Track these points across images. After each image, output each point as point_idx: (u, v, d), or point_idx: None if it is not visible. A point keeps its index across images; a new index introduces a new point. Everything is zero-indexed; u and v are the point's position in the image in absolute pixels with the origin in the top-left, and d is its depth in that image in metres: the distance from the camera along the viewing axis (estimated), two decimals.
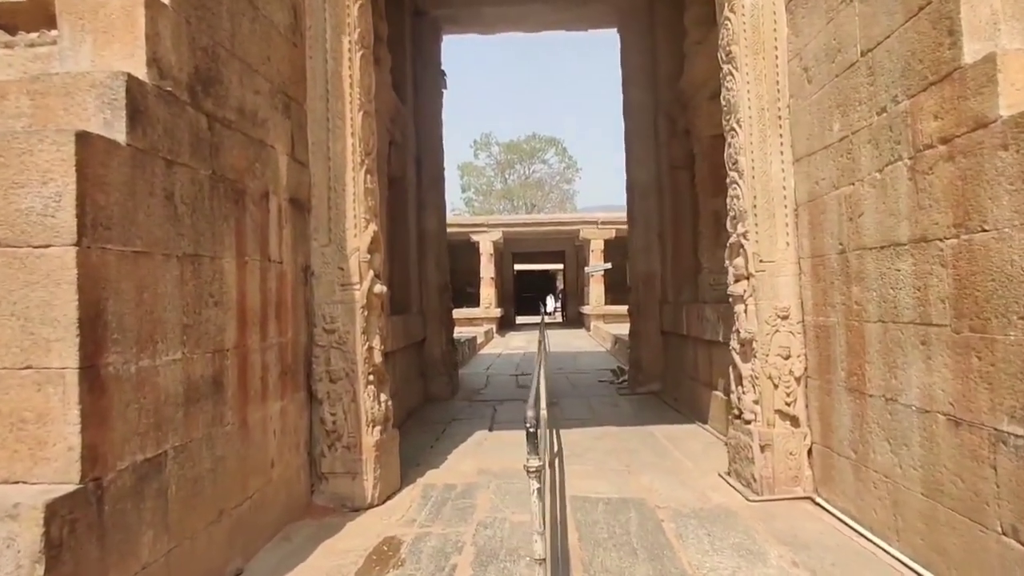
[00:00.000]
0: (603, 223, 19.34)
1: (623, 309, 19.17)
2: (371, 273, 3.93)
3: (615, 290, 19.96)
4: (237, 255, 2.92)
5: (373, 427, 3.92)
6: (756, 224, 3.93)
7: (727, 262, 4.28)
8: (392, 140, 6.97)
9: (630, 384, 8.37)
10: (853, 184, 3.21)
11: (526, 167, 46.76)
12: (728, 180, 4.20)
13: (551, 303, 28.38)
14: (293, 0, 3.77)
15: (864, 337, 3.16)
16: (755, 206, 3.93)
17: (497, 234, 19.86)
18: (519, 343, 17.36)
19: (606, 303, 18.98)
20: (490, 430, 6.20)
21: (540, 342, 7.02)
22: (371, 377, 3.94)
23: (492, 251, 20.09)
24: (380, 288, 4.00)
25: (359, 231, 3.90)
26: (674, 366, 7.47)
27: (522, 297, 28.94)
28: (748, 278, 4.00)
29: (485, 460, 4.97)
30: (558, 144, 46.24)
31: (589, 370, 11.68)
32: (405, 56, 7.68)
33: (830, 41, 3.39)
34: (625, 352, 12.52)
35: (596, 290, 18.94)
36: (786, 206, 3.92)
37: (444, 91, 8.65)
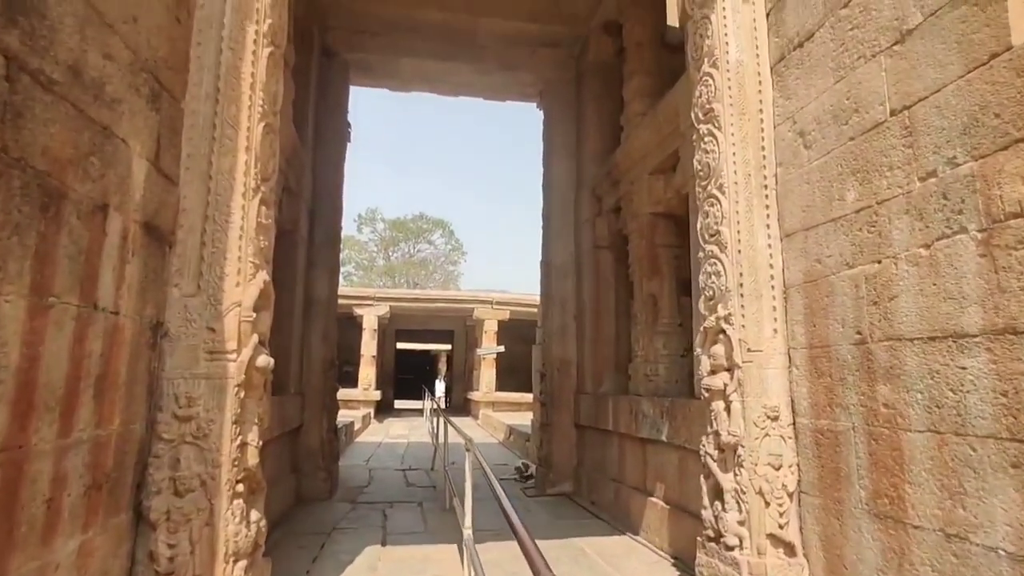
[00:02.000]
0: (498, 303, 18.77)
1: (516, 397, 18.42)
2: (255, 339, 2.82)
3: (508, 376, 19.20)
4: (31, 292, 1.76)
5: (235, 562, 2.68)
6: (743, 306, 3.33)
7: (698, 350, 3.63)
8: (286, 185, 5.89)
9: (539, 484, 7.42)
10: (880, 262, 2.69)
11: (411, 246, 46.14)
12: (702, 255, 3.62)
13: (439, 388, 25.77)
14: None
15: (902, 450, 2.54)
16: (741, 285, 3.35)
17: (384, 308, 18.57)
18: (400, 430, 15.87)
19: (497, 389, 18.07)
20: (383, 544, 4.95)
21: (469, 445, 5.95)
22: (240, 487, 2.74)
23: (376, 327, 18.70)
24: (265, 360, 2.88)
25: (244, 280, 2.81)
26: (592, 465, 6.66)
27: (401, 379, 27.25)
28: (731, 370, 3.34)
29: None
30: (445, 226, 46.30)
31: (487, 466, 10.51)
32: (309, 96, 6.76)
33: (840, 101, 2.97)
34: (521, 445, 11.59)
35: (487, 375, 18.01)
36: (773, 287, 3.37)
37: (349, 143, 7.76)
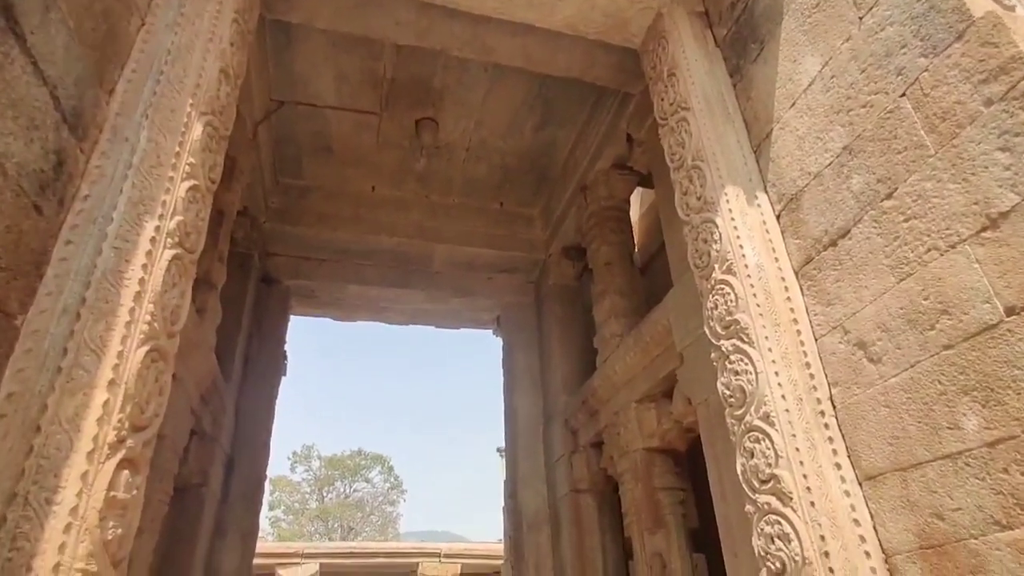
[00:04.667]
0: (447, 556, 16.26)
1: None
2: None
3: None
4: None
5: None
6: None
7: None
8: (197, 428, 4.76)
9: None
10: None
11: (347, 485, 42.55)
12: (753, 509, 2.68)
13: None
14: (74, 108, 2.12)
15: None
16: (827, 553, 2.36)
17: (314, 567, 15.72)
18: None
19: None
20: None
21: None
22: None
23: None
24: None
25: None
26: None
27: None
28: None
29: None
30: (384, 462, 43.50)
31: None
32: (241, 325, 5.96)
33: (915, 301, 2.36)
34: None
35: None
36: (869, 555, 2.40)
37: (284, 376, 6.80)
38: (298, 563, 15.63)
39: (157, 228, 2.24)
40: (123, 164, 2.26)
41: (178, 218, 2.33)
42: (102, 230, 2.13)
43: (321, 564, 16.06)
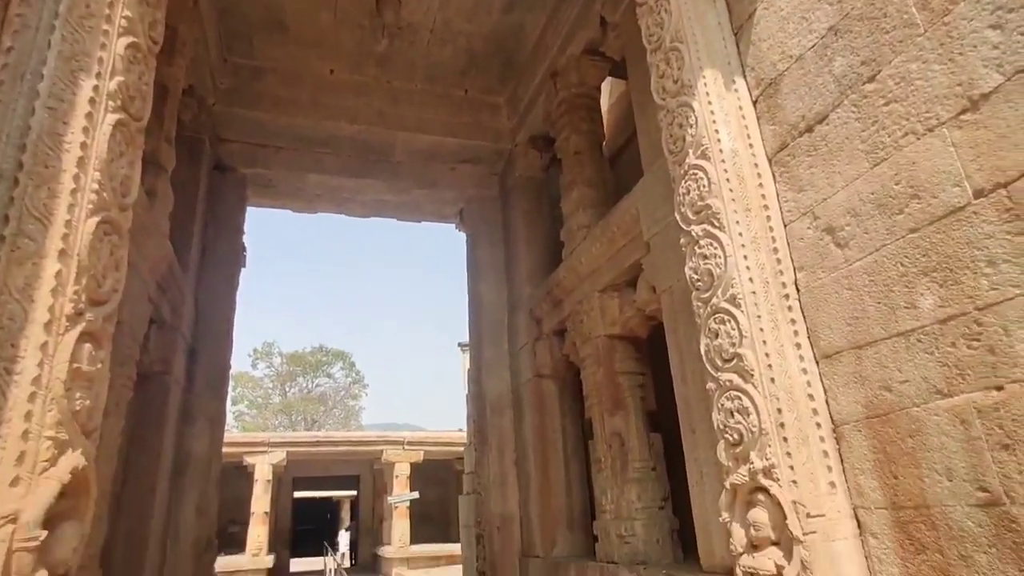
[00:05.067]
0: (411, 443, 17.01)
1: (435, 550, 16.21)
2: None
3: (422, 524, 17.15)
4: None
5: None
6: (788, 454, 2.47)
7: (725, 515, 2.69)
8: (156, 317, 4.66)
9: None
10: (1001, 388, 1.95)
11: (309, 380, 43.28)
12: (714, 386, 2.80)
13: (344, 541, 21.75)
14: None
15: None
16: (783, 425, 2.51)
17: (280, 455, 16.28)
18: None
19: (412, 541, 15.85)
20: None
21: None
22: None
23: (270, 477, 16.26)
24: None
25: (32, 472, 1.62)
26: None
27: (300, 531, 23.76)
28: (784, 544, 2.42)
29: None
30: (346, 358, 44.15)
31: None
32: (195, 213, 5.71)
33: (886, 186, 2.38)
34: None
35: (400, 526, 15.81)
36: (819, 425, 2.57)
37: (243, 267, 6.63)
38: (265, 451, 16.14)
39: (96, 88, 2.03)
40: (48, 13, 2.01)
41: (118, 79, 2.12)
42: (32, 87, 1.92)
43: (288, 452, 16.62)
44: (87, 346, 1.83)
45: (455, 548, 13.39)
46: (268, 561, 15.59)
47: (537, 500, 5.83)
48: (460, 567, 9.32)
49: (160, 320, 4.78)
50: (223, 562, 13.33)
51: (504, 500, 6.17)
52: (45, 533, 1.58)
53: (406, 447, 16.89)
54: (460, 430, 15.92)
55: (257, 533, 15.62)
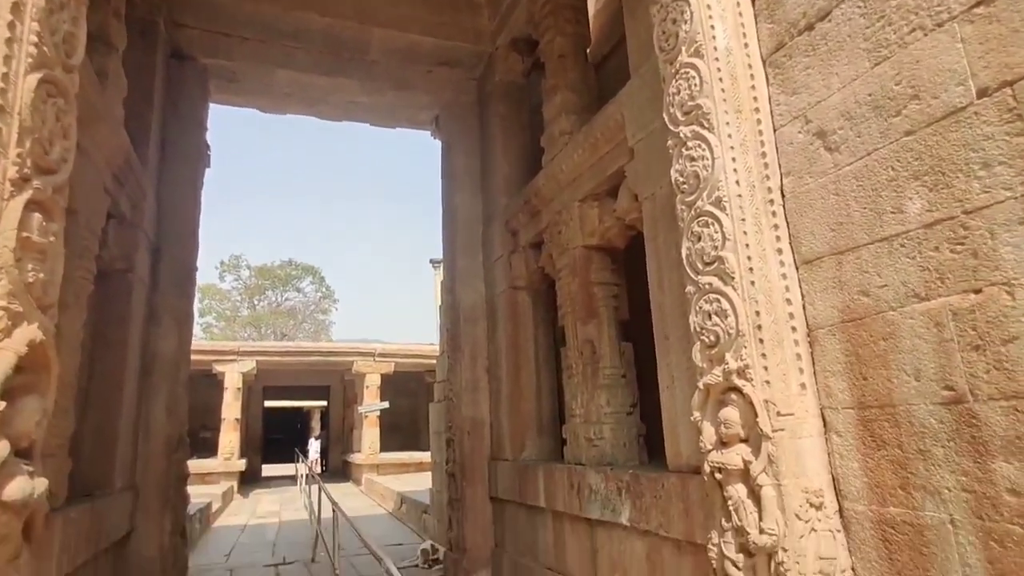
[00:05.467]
0: (382, 355, 17.17)
1: (404, 457, 16.73)
2: (3, 450, 1.52)
3: (392, 433, 17.61)
4: None
5: None
6: (763, 355, 2.51)
7: (697, 414, 2.75)
8: (115, 211, 4.44)
9: (449, 572, 6.18)
10: (979, 291, 1.97)
11: (278, 294, 42.95)
12: (693, 289, 2.80)
13: (314, 449, 22.44)
14: None
15: None
16: (760, 327, 2.53)
17: (250, 364, 16.33)
18: (270, 506, 13.72)
19: (381, 450, 16.33)
20: None
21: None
22: None
23: (240, 385, 16.38)
24: (21, 489, 1.57)
25: None
26: (517, 549, 5.56)
27: (270, 440, 24.27)
28: (753, 441, 2.49)
29: None
30: (316, 272, 43.72)
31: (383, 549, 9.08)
32: (152, 103, 5.36)
33: (887, 87, 2.30)
34: (416, 517, 10.15)
35: (370, 434, 16.22)
36: (794, 329, 2.60)
37: (208, 167, 6.32)
38: (235, 360, 16.15)
39: None
40: None
41: None
42: None
43: (258, 361, 16.66)
44: (36, 215, 1.70)
45: (424, 456, 13.83)
46: (240, 464, 15.96)
47: (508, 405, 5.96)
48: (428, 474, 9.66)
49: (119, 215, 4.56)
50: (195, 464, 13.55)
51: (475, 405, 6.30)
52: (3, 404, 1.51)
53: (377, 358, 17.08)
54: (432, 344, 16.10)
55: (229, 439, 15.90)
